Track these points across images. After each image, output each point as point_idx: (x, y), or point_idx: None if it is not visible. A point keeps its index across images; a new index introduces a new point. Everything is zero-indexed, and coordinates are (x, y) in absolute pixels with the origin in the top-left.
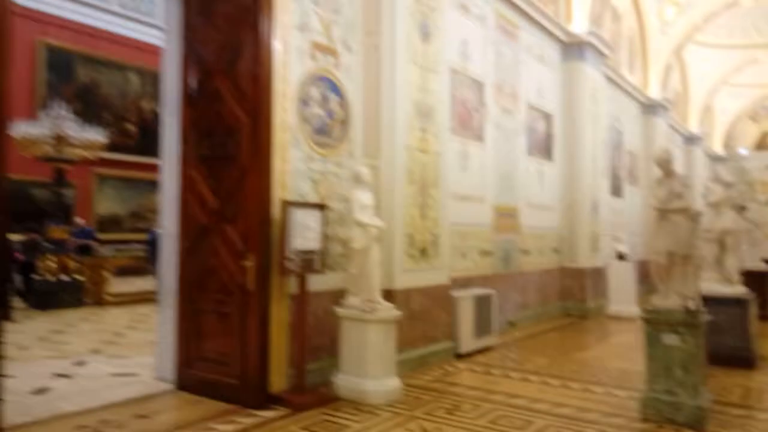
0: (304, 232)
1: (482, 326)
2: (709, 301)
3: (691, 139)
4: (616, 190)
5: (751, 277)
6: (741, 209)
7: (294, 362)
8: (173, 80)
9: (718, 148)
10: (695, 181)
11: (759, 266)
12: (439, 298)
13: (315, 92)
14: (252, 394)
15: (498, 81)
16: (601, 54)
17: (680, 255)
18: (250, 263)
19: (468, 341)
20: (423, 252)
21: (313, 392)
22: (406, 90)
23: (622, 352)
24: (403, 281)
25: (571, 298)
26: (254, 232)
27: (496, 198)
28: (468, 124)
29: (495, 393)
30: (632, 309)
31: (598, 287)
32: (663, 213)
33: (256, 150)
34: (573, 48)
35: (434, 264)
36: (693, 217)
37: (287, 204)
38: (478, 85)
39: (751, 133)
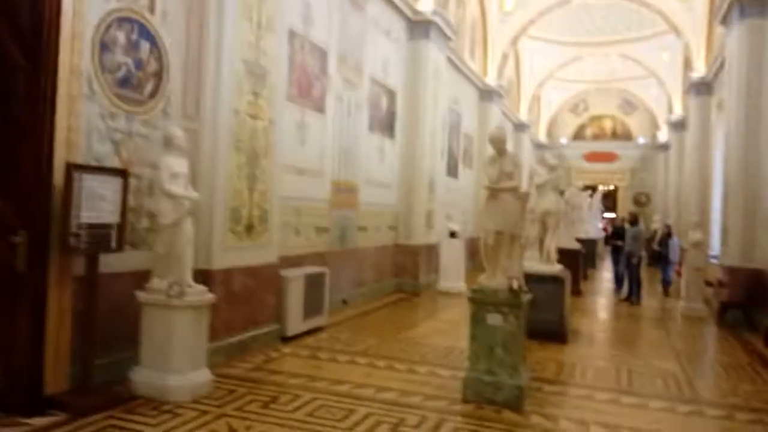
0: (97, 203)
1: (313, 306)
2: (530, 278)
3: (520, 127)
4: (452, 171)
5: (565, 255)
6: (560, 192)
7: (80, 357)
8: None
9: (542, 136)
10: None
11: (573, 245)
12: (266, 278)
13: (120, 36)
14: (20, 397)
15: (342, 51)
16: (445, 36)
17: (508, 235)
18: (20, 239)
19: (296, 323)
20: (249, 228)
21: (103, 392)
22: (237, 46)
23: (448, 329)
24: (223, 260)
25: (404, 274)
26: (29, 203)
27: (336, 173)
28: (308, 93)
29: (319, 380)
30: (460, 285)
31: (430, 264)
32: (493, 192)
33: (35, 101)
34: (419, 26)
35: (262, 241)
36: (521, 197)
37: (73, 168)
38: (321, 53)
39: (571, 123)
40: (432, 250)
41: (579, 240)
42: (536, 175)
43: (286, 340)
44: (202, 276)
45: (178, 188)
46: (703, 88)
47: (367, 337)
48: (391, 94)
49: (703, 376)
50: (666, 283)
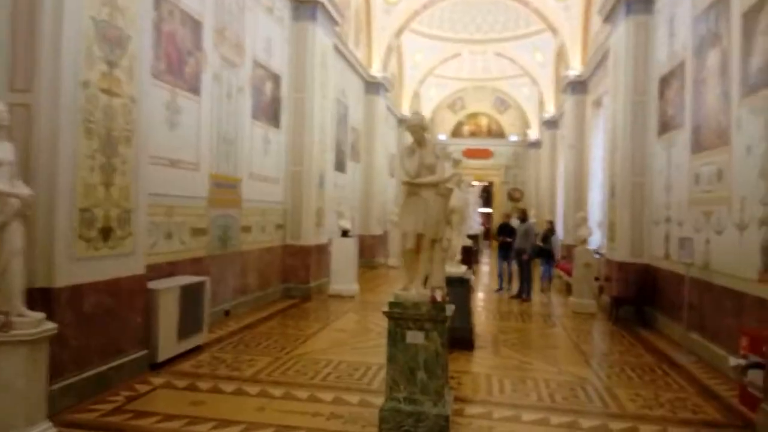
0: None
1: (190, 323)
2: None
3: (403, 122)
4: (340, 165)
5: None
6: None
7: None
8: None
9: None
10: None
11: (465, 242)
12: (130, 294)
13: None
14: None
15: (220, 24)
16: (332, 19)
17: (429, 237)
18: None
19: (169, 345)
20: (106, 233)
21: None
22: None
23: (347, 340)
24: (71, 275)
25: (294, 278)
26: None
27: (215, 166)
28: (180, 70)
29: (201, 422)
30: (353, 287)
31: (321, 265)
32: (412, 188)
33: None
34: (305, 6)
35: (123, 248)
36: (444, 193)
37: None
38: (195, 24)
39: (450, 121)
40: (322, 251)
41: (471, 237)
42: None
43: (157, 367)
44: (42, 297)
45: (0, 182)
46: (578, 87)
47: (257, 356)
48: (276, 79)
49: (620, 383)
50: (546, 280)
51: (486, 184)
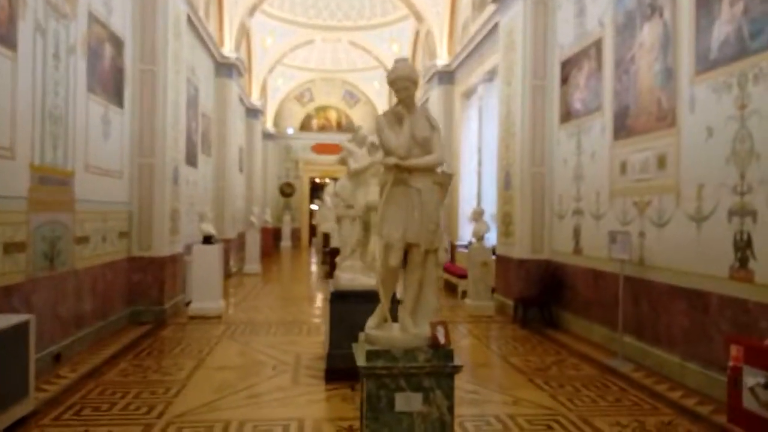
0: None
1: (7, 387)
2: (352, 297)
3: (253, 112)
4: (191, 158)
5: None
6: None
7: None
8: None
9: (270, 125)
10: (258, 157)
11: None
12: None
13: None
14: None
15: None
16: None
17: (423, 248)
18: None
19: None
20: None
21: None
22: None
23: (235, 383)
24: None
25: (143, 299)
26: None
27: (38, 154)
28: None
29: None
30: (218, 304)
31: (176, 280)
32: (400, 174)
33: None
34: None
35: None
36: (443, 181)
37: None
38: None
39: (298, 113)
40: (178, 262)
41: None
42: (352, 157)
43: None
44: None
45: None
46: (446, 77)
47: (115, 427)
48: (118, 44)
49: (590, 410)
50: None
51: (334, 180)
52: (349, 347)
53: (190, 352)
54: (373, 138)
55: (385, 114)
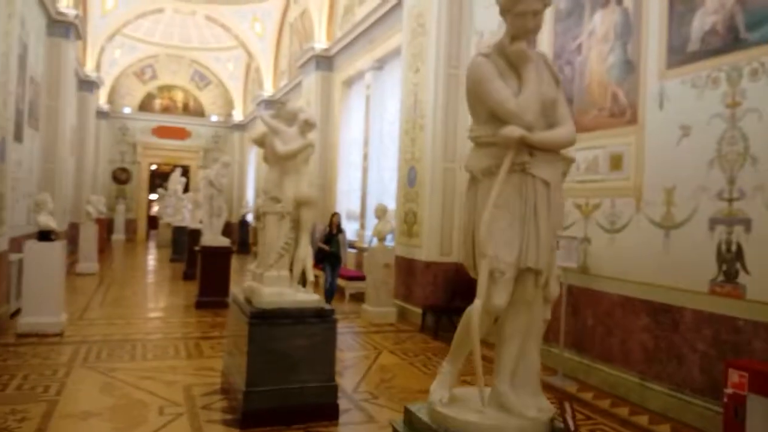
0: None
1: None
2: (282, 316)
3: (87, 85)
4: (18, 133)
5: (215, 257)
6: None
7: None
8: None
9: (103, 102)
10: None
11: (221, 241)
12: None
13: None
14: None
15: None
16: None
17: (542, 277)
18: None
19: None
20: None
21: None
22: None
23: None
24: None
25: None
26: None
27: None
28: None
29: None
30: (59, 318)
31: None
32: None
33: None
34: None
35: None
36: (565, 171)
37: None
38: None
39: (138, 91)
40: (1, 262)
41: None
42: (278, 136)
43: None
44: None
45: None
46: (324, 62)
47: None
48: None
49: None
50: (331, 291)
51: (181, 168)
52: (275, 382)
53: (31, 389)
54: (306, 114)
55: (489, 56)
